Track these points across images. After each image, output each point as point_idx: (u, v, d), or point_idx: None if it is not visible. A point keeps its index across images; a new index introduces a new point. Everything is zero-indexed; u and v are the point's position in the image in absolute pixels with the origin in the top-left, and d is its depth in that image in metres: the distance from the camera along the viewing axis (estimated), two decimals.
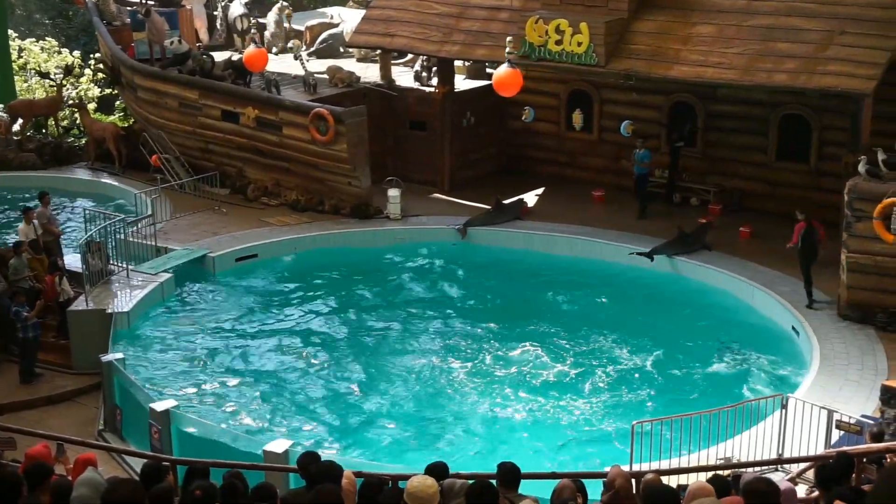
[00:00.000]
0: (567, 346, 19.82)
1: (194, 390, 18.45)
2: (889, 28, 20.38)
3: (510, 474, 9.25)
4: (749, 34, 21.70)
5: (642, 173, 24.73)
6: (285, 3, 33.39)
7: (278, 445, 14.54)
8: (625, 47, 22.74)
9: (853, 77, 20.10)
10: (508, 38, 21.78)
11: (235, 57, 27.79)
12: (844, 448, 12.42)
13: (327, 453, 13.89)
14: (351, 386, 18.67)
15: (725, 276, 21.59)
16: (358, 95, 27.00)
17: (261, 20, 32.26)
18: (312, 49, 31.41)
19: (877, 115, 21.14)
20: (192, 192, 26.46)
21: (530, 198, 26.24)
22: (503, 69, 20.33)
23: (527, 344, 19.90)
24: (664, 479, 10.77)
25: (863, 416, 14.73)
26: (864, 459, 11.69)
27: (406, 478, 10.04)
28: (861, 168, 19.19)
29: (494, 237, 24.31)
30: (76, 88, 33.60)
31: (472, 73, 28.87)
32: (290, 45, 30.22)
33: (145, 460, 15.19)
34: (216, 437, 15.64)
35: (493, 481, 9.39)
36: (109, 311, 19.79)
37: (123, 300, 20.48)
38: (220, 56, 28.41)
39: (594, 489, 9.93)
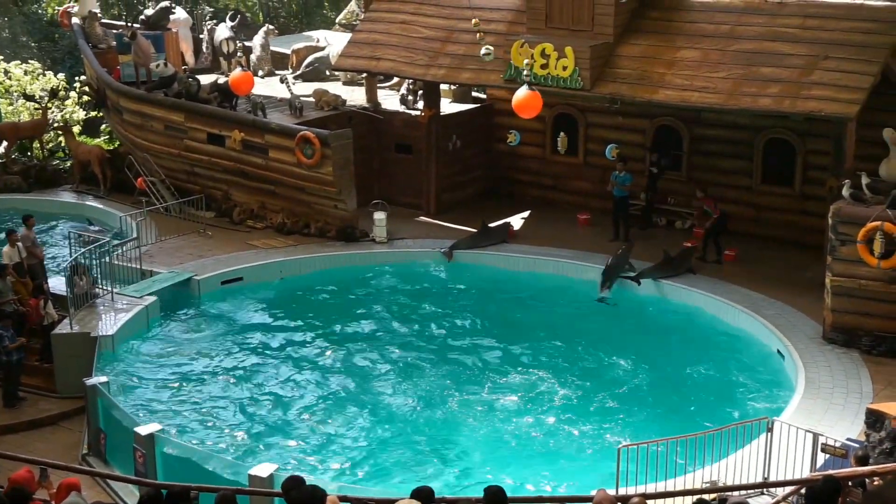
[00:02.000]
0: (552, 369, 19.79)
1: (179, 414, 18.37)
2: (872, 53, 20.53)
3: (495, 497, 9.25)
4: (733, 59, 21.83)
5: (622, 196, 24.78)
6: (271, 27, 33.51)
7: (263, 469, 14.47)
8: (610, 71, 22.84)
9: (836, 101, 20.23)
10: (526, 62, 21.83)
11: (221, 80, 27.80)
12: (830, 471, 12.44)
13: (313, 478, 13.83)
14: (336, 409, 18.60)
15: (710, 299, 21.63)
16: (344, 118, 27.04)
17: (247, 43, 32.32)
18: (298, 72, 31.48)
19: (860, 140, 21.28)
20: (177, 215, 26.42)
21: (516, 221, 26.27)
22: (523, 91, 20.23)
23: (513, 367, 19.90)
24: (650, 503, 10.77)
25: (848, 439, 14.75)
26: (850, 483, 11.72)
27: (392, 502, 10.02)
28: (845, 192, 19.29)
29: (480, 260, 24.32)
30: (61, 111, 33.55)
31: (458, 97, 28.96)
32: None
33: (127, 483, 15.19)
34: (201, 461, 15.55)
35: None
36: (94, 334, 19.70)
37: (108, 323, 20.40)
38: (205, 79, 28.43)
39: None
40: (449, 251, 24.35)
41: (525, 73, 21.03)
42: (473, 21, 23.31)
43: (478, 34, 22.82)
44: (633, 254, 23.30)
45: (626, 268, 22.82)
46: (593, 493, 10.51)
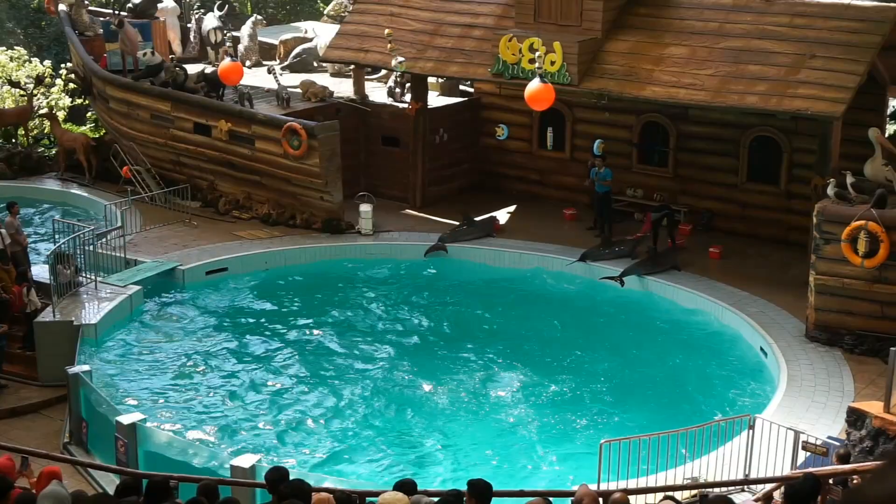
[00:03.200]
0: (536, 363, 19.82)
1: (161, 404, 18.34)
2: (859, 52, 20.59)
3: (480, 490, 9.23)
4: (721, 56, 21.87)
5: (604, 191, 24.79)
6: (259, 17, 33.41)
7: (245, 460, 14.45)
8: (598, 67, 22.86)
9: (823, 100, 20.28)
10: (538, 54, 21.85)
11: (209, 69, 27.73)
12: (811, 469, 12.49)
13: (295, 469, 13.84)
14: (319, 401, 18.59)
15: (695, 296, 21.67)
16: (331, 110, 26.98)
17: (234, 33, 32.22)
18: (286, 63, 31.41)
19: (846, 139, 21.35)
20: (162, 205, 26.35)
21: (502, 215, 26.26)
22: (535, 84, 20.18)
23: (497, 361, 19.92)
24: (632, 499, 10.79)
25: (829, 437, 14.81)
26: (831, 481, 11.77)
27: (374, 494, 10.02)
28: (830, 191, 19.34)
29: (465, 254, 24.30)
30: (47, 98, 33.42)
31: (446, 90, 28.93)
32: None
33: (108, 472, 15.15)
34: (183, 451, 15.53)
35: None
36: (77, 322, 19.64)
37: (91, 312, 20.34)
38: (193, 68, 28.34)
39: None
40: (440, 244, 24.17)
41: (537, 66, 21.02)
42: (387, 31, 23.70)
43: (389, 45, 23.20)
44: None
45: (605, 253, 23.02)
46: (575, 488, 10.52)
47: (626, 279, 22.48)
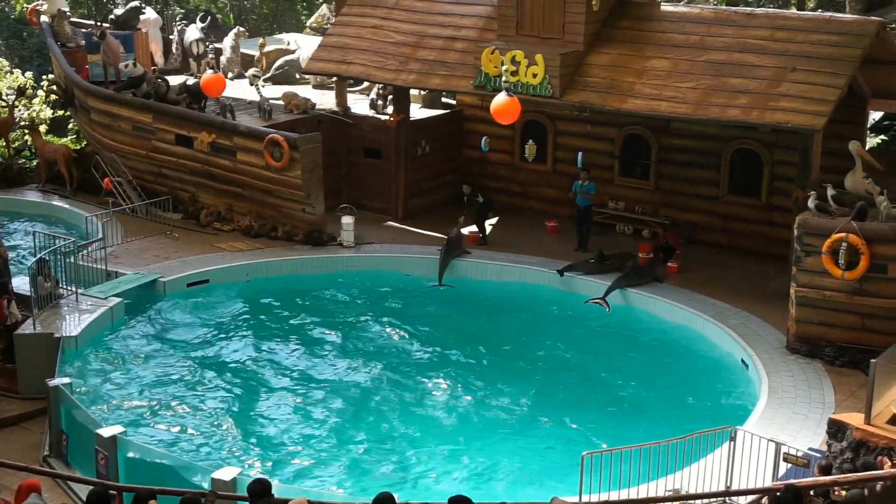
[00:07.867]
0: (516, 376, 19.81)
1: (142, 416, 18.26)
2: (839, 65, 20.68)
3: None
4: (702, 69, 21.94)
5: (587, 205, 24.82)
6: (241, 29, 33.39)
7: (227, 473, 14.40)
8: (580, 79, 22.90)
9: (804, 113, 20.36)
10: (505, 68, 21.86)
11: (191, 81, 27.69)
12: (792, 481, 12.53)
13: (276, 482, 13.78)
14: (300, 414, 18.55)
15: (676, 308, 21.72)
16: (313, 122, 26.98)
17: (217, 45, 32.19)
18: (268, 75, 31.40)
19: (826, 152, 21.46)
20: (144, 217, 26.30)
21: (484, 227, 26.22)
22: (501, 98, 20.27)
23: (477, 374, 19.90)
24: None
25: (810, 449, 14.84)
26: (812, 492, 11.81)
27: None
28: (810, 203, 19.43)
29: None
30: (28, 109, 33.30)
31: (428, 102, 28.97)
32: (250, 72, 30.43)
33: (91, 487, 15.07)
34: (163, 464, 15.45)
35: None
36: (57, 335, 19.54)
37: (72, 324, 20.25)
38: (175, 80, 28.30)
39: None
40: (440, 282, 24.00)
41: (504, 79, 21.05)
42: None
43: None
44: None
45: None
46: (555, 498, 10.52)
47: (609, 296, 22.43)
